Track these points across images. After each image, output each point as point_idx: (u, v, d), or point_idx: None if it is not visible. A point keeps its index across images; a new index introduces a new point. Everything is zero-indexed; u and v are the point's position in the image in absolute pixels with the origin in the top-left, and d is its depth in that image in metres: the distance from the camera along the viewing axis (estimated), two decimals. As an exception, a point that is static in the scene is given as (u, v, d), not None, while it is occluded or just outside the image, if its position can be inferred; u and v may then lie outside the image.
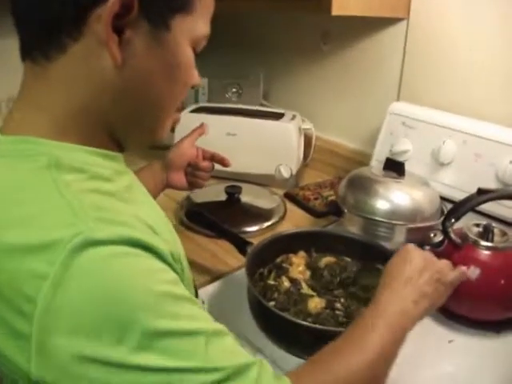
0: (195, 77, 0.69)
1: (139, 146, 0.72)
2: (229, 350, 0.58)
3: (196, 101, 1.87)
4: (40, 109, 0.61)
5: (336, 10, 1.19)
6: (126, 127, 0.67)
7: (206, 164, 1.18)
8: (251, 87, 1.89)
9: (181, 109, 0.75)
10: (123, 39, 0.58)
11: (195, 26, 0.64)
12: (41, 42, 0.59)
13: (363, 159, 1.53)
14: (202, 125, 1.20)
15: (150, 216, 0.64)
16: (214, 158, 1.19)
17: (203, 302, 0.92)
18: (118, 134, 0.67)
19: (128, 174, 0.71)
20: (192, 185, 1.20)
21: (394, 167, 1.19)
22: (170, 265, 0.58)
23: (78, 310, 0.49)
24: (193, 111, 1.66)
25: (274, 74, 1.93)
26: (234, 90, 1.88)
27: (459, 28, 1.33)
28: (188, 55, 0.65)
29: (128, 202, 0.62)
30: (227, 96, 1.89)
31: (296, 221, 1.38)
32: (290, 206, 1.47)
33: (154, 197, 1.13)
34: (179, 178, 1.17)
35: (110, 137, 0.66)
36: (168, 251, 0.58)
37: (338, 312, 0.95)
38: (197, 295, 0.90)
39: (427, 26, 1.39)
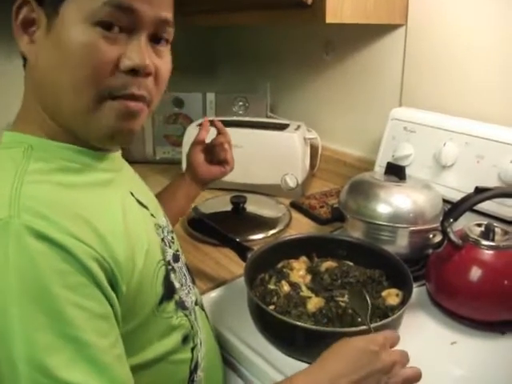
0: (104, 55, 0.64)
1: (96, 142, 0.71)
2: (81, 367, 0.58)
3: (204, 115, 1.89)
4: (22, 107, 0.72)
5: (330, 18, 1.19)
6: (64, 120, 0.69)
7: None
8: (257, 100, 1.91)
9: (131, 98, 0.67)
10: (34, 38, 0.65)
11: (87, 1, 0.63)
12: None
13: (369, 167, 1.52)
14: (204, 121, 1.24)
15: (105, 216, 0.67)
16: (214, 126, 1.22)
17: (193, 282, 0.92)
18: (68, 127, 0.69)
19: (106, 172, 0.74)
20: (223, 163, 1.20)
21: (395, 171, 1.18)
22: (85, 268, 0.59)
23: None
24: (200, 125, 1.68)
25: (279, 86, 1.95)
26: (240, 103, 1.90)
27: (457, 30, 1.33)
28: (83, 35, 0.63)
29: (87, 197, 0.67)
30: (234, 109, 1.90)
31: (301, 228, 1.39)
32: (296, 214, 1.48)
33: (191, 201, 1.21)
34: (206, 169, 1.19)
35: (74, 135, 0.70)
36: (89, 254, 0.60)
37: (340, 303, 0.94)
38: (194, 282, 0.91)
39: (425, 30, 1.40)
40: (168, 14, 0.69)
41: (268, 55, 1.99)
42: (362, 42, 1.59)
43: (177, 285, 0.80)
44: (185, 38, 1.98)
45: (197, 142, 1.21)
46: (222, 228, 1.17)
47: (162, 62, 0.71)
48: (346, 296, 0.97)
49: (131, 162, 0.85)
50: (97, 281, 0.60)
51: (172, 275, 0.79)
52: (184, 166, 1.66)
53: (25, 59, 0.70)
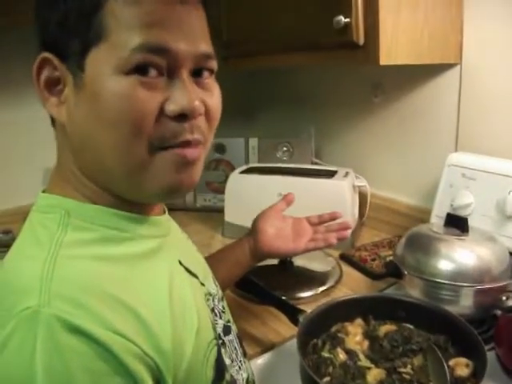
0: (144, 103, 0.56)
1: (150, 200, 0.65)
2: None
3: (246, 161, 1.85)
4: (56, 167, 0.66)
5: (384, 60, 1.13)
6: (108, 181, 0.62)
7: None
8: (302, 145, 1.85)
9: (187, 144, 0.60)
10: (62, 98, 0.59)
11: (114, 49, 0.55)
12: None
13: (423, 216, 1.44)
14: (288, 194, 1.14)
15: (150, 298, 0.59)
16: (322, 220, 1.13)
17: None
18: (113, 189, 0.63)
19: (154, 239, 0.66)
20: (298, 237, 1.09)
21: (456, 223, 1.11)
22: (123, 367, 0.51)
23: None
24: (243, 172, 1.64)
25: (325, 131, 1.89)
26: (284, 148, 1.84)
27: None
28: (118, 87, 0.56)
29: (130, 274, 0.59)
30: (278, 155, 1.85)
31: (353, 284, 1.31)
32: (346, 267, 1.40)
33: (239, 272, 1.07)
34: (278, 243, 1.06)
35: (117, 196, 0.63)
36: (130, 351, 0.52)
37: (404, 375, 0.85)
38: (245, 355, 0.83)
39: (481, 70, 1.32)
40: (206, 46, 0.61)
41: (312, 97, 1.93)
42: (414, 82, 1.52)
43: (227, 361, 0.71)
44: (225, 81, 1.95)
45: (273, 210, 1.10)
46: (269, 284, 1.10)
47: (211, 95, 0.63)
48: (409, 367, 0.87)
49: (170, 209, 0.77)
50: (137, 381, 0.52)
51: (222, 350, 0.70)
52: (226, 213, 1.62)
53: (53, 119, 0.64)
